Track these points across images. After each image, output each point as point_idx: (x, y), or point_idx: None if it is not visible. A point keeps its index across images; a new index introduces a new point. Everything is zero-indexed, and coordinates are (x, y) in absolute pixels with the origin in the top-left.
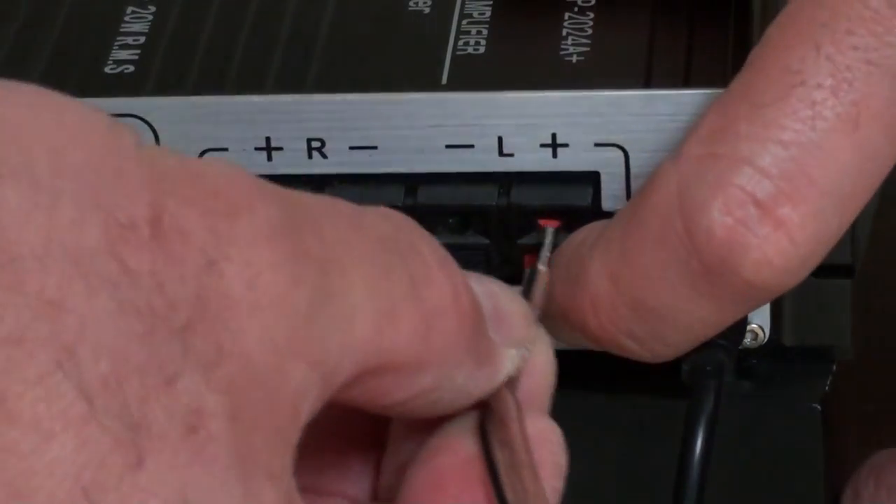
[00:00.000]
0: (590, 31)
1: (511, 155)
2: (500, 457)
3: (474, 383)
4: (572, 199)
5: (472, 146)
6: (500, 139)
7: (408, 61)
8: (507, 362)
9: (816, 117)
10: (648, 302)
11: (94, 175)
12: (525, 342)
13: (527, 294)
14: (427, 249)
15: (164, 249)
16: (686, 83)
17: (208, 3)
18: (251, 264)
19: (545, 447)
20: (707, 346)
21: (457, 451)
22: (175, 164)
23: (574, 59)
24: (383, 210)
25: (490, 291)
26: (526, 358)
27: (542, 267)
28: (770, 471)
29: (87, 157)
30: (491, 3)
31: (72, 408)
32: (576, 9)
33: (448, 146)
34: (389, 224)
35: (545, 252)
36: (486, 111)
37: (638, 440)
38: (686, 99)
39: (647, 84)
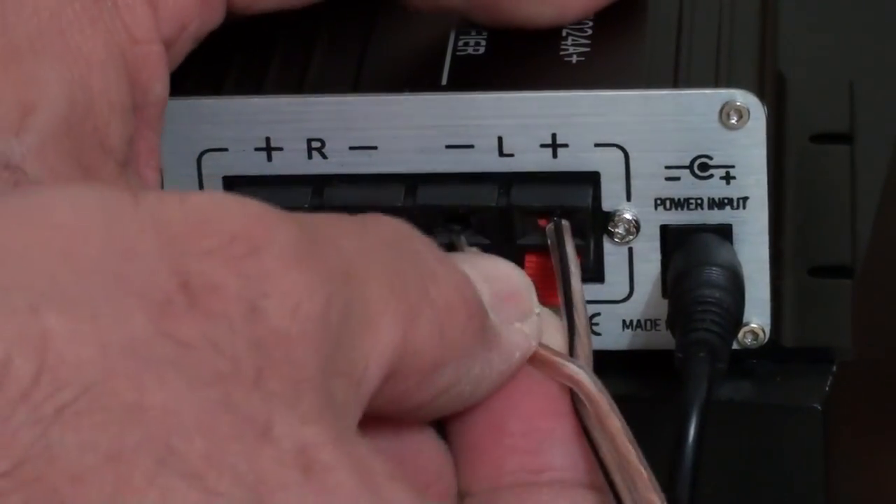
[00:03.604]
0: (590, 32)
1: (511, 155)
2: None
3: (490, 368)
4: (572, 200)
5: (472, 146)
6: (500, 139)
7: (408, 61)
8: (519, 337)
9: None
10: None
11: (113, 265)
12: (531, 311)
13: (560, 247)
14: (425, 249)
15: (204, 312)
16: (685, 83)
17: None
18: (289, 294)
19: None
20: (700, 332)
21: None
22: (178, 215)
23: (574, 59)
24: (377, 215)
25: (485, 274)
26: (539, 322)
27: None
28: (770, 471)
29: (98, 250)
30: None
31: (189, 497)
32: None
33: (448, 146)
34: (389, 228)
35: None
36: (485, 111)
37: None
38: (685, 99)
39: (647, 84)
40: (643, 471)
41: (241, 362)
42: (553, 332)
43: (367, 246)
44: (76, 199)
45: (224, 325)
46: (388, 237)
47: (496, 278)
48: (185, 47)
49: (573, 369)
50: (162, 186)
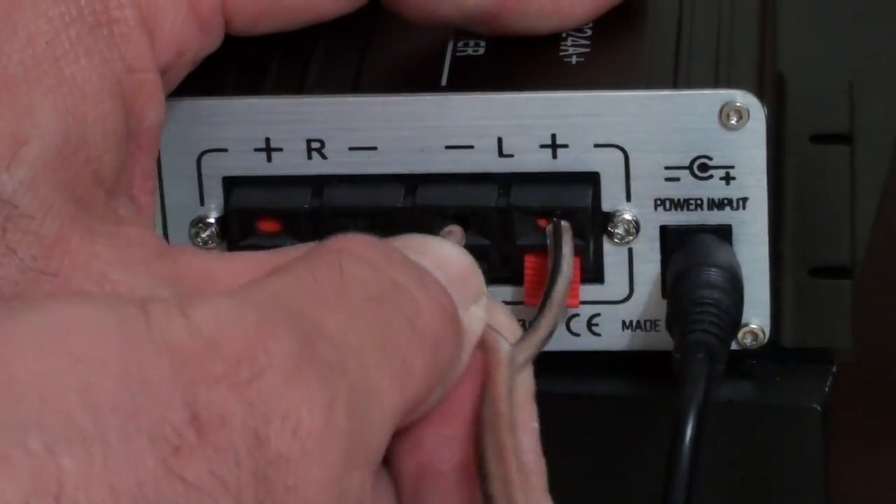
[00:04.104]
0: (589, 32)
1: (511, 156)
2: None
3: (461, 365)
4: (572, 200)
5: (471, 147)
6: (499, 140)
7: (407, 62)
8: (479, 324)
9: None
10: None
11: (129, 398)
12: (482, 292)
13: (556, 248)
14: (403, 277)
15: (212, 445)
16: (685, 84)
17: None
18: (289, 415)
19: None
20: (698, 333)
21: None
22: (185, 336)
23: (574, 59)
24: (353, 249)
25: (437, 261)
26: (486, 302)
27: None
28: (770, 471)
29: (115, 384)
30: None
31: None
32: None
33: (448, 147)
34: (367, 268)
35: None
36: (485, 112)
37: (626, 433)
38: (685, 99)
39: (647, 84)
40: (510, 461)
41: (243, 496)
42: (498, 312)
43: (352, 314)
44: (93, 322)
45: (230, 459)
46: (370, 284)
47: (447, 262)
48: (181, 72)
49: (494, 338)
50: (162, 187)
